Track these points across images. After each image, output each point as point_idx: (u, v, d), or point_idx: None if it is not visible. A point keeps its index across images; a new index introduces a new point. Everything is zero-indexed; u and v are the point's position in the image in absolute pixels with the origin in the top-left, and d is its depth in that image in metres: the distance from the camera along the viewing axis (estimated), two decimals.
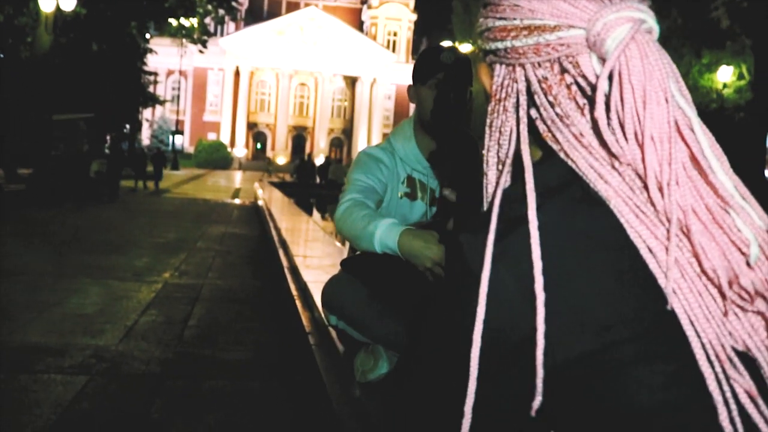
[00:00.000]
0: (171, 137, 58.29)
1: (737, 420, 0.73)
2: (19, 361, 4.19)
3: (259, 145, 70.46)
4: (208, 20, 34.17)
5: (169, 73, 63.47)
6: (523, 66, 0.83)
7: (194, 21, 33.06)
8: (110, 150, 26.23)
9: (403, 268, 2.30)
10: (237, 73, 67.54)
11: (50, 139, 21.10)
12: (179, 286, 6.94)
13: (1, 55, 22.86)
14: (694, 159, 0.77)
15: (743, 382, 0.74)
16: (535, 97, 0.82)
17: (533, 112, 0.83)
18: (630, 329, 0.74)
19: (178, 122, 58.69)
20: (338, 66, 68.16)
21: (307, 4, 70.40)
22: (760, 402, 0.74)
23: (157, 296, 6.34)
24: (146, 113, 53.91)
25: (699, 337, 0.74)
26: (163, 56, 49.50)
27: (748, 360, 0.76)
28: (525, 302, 0.75)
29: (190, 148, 65.04)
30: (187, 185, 30.65)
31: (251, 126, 69.27)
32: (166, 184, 28.85)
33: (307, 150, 62.98)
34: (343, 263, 2.69)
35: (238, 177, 46.51)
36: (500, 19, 0.84)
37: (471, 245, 0.78)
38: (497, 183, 0.86)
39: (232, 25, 66.09)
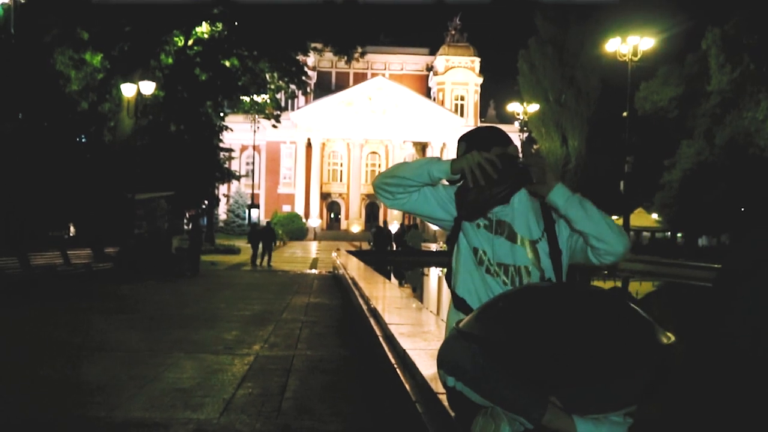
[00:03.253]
0: (247, 211, 59.49)
1: None
2: None
3: (333, 215, 71.30)
4: (279, 95, 35.04)
5: (243, 148, 65.09)
6: None
7: (266, 97, 33.97)
8: (191, 226, 26.83)
9: (515, 327, 2.32)
10: (309, 145, 68.93)
11: (134, 218, 21.81)
12: (271, 357, 6.98)
13: (84, 139, 23.83)
14: None
15: None
16: None
17: None
18: None
19: (254, 196, 59.91)
20: (408, 133, 68.89)
21: (374, 74, 71.70)
22: None
23: (251, 369, 6.37)
24: (223, 188, 55.28)
25: None
26: (238, 132, 50.87)
27: None
28: None
29: (265, 221, 66.18)
30: None
31: (324, 196, 70.28)
32: (245, 257, 29.33)
33: (381, 217, 63.38)
34: (456, 325, 2.68)
35: (314, 247, 47.05)
36: None
37: (758, 237, 0.84)
38: None
39: (302, 99, 67.76)
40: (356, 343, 7.53)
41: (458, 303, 2.82)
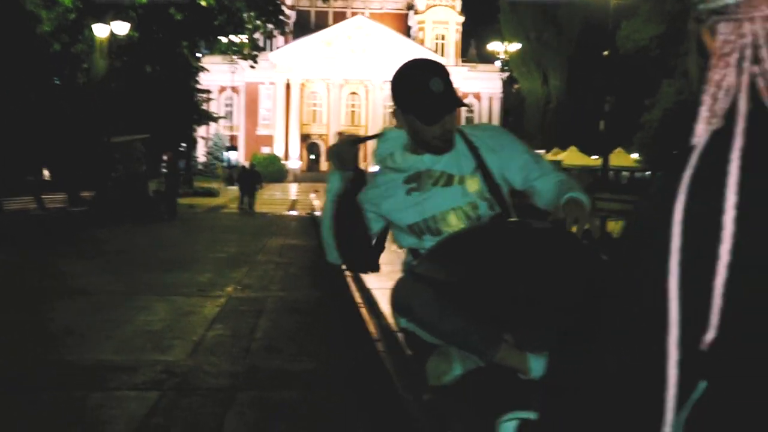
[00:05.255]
0: (225, 153, 59.12)
1: None
2: (93, 379, 4.26)
3: (312, 156, 70.95)
4: (257, 35, 34.50)
5: (222, 89, 64.31)
6: (752, 20, 0.87)
7: (244, 37, 33.44)
8: (168, 169, 26.68)
9: (470, 267, 2.31)
10: (288, 86, 68.18)
11: (110, 162, 21.59)
12: (243, 299, 7.01)
13: (57, 81, 23.41)
14: None
15: None
16: (760, 51, 0.86)
17: (756, 69, 0.87)
18: None
19: (232, 138, 59.51)
20: (388, 73, 67.20)
21: (353, 13, 70.64)
22: None
23: (222, 310, 6.40)
24: (201, 131, 54.78)
25: None
26: (215, 74, 50.25)
27: None
28: (715, 234, 0.78)
29: (245, 163, 65.84)
30: None
31: (304, 138, 69.79)
32: (223, 200, 29.27)
33: (361, 158, 63.11)
34: (407, 267, 2.68)
35: (293, 189, 46.99)
36: None
37: (666, 181, 0.84)
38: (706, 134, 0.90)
39: (281, 39, 66.72)
40: (329, 284, 7.56)
41: (410, 249, 2.82)
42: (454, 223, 2.64)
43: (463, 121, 59.88)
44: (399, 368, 2.99)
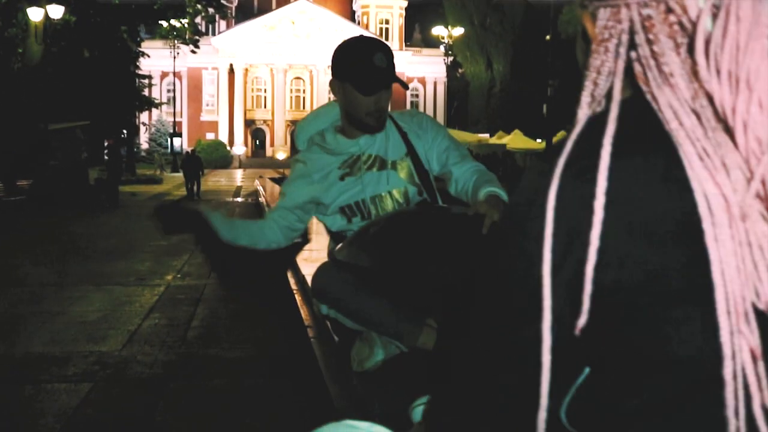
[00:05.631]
0: (169, 140, 58.22)
1: (740, 376, 0.75)
2: (23, 372, 4.21)
3: (258, 142, 70.37)
4: (198, 20, 34.05)
5: (164, 75, 63.28)
6: (628, 6, 0.87)
7: (184, 21, 32.99)
8: (109, 156, 26.16)
9: (391, 253, 2.33)
10: (231, 71, 67.39)
11: (48, 149, 21.12)
12: (182, 287, 6.96)
13: None
14: None
15: (751, 339, 0.76)
16: (636, 36, 0.86)
17: (633, 54, 0.87)
18: (676, 267, 0.78)
19: (176, 124, 58.65)
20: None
21: None
22: (760, 363, 0.76)
23: (160, 299, 6.34)
24: (143, 117, 53.85)
25: (725, 285, 0.76)
26: (157, 59, 49.36)
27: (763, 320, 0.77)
28: (586, 219, 0.79)
29: (189, 150, 64.96)
30: None
31: (249, 123, 69.14)
32: (167, 187, 28.90)
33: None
34: (330, 254, 2.70)
35: (238, 175, 46.55)
36: None
37: (541, 167, 0.84)
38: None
39: (223, 24, 65.97)
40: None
41: (334, 235, 2.83)
42: (385, 207, 2.66)
43: (408, 106, 60.01)
44: (327, 354, 3.01)
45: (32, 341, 4.87)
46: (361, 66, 2.56)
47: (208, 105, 68.79)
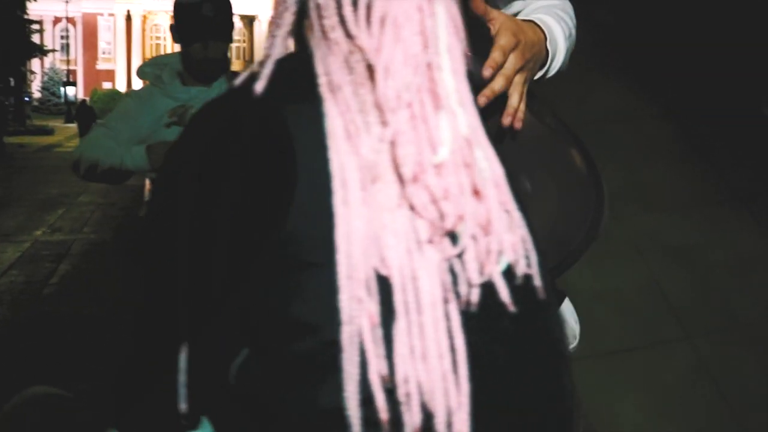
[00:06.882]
0: (63, 89, 55.96)
1: (356, 342, 0.71)
2: None
3: None
4: None
5: (56, 21, 60.56)
6: None
7: None
8: None
9: None
10: (129, 18, 65.01)
11: None
12: (49, 243, 6.70)
13: None
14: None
15: (370, 305, 0.72)
16: None
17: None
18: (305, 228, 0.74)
19: (70, 72, 56.43)
20: (234, 5, 66.29)
21: None
22: (378, 330, 0.72)
23: (22, 256, 6.09)
24: (34, 65, 51.55)
25: (349, 249, 0.73)
26: (47, 2, 47.24)
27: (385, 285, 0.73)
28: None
29: (85, 99, 62.79)
30: None
31: None
32: (58, 138, 27.87)
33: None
34: None
35: None
36: None
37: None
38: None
39: None
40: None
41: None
42: None
43: None
44: None
45: None
46: (187, 12, 2.56)
47: (104, 53, 66.27)
